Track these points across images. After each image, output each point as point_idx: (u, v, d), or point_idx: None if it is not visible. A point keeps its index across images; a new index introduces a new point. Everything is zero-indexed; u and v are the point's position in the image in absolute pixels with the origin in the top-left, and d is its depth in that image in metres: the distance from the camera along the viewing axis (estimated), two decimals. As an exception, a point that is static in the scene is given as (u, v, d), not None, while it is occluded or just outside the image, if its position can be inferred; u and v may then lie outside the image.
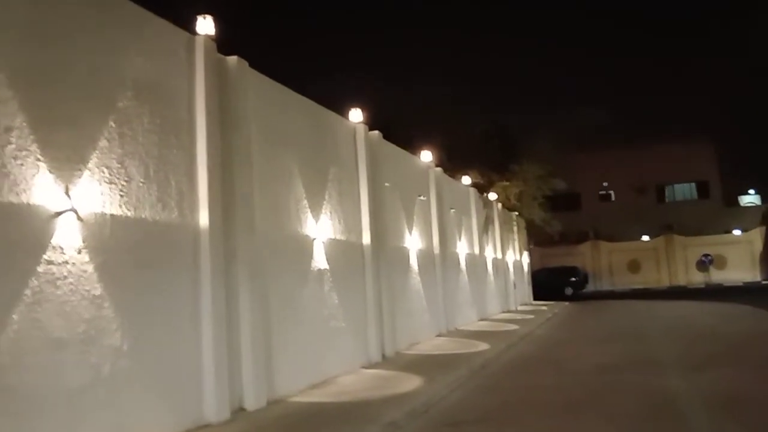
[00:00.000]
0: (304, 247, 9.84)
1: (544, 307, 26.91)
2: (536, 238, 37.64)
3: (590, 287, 41.10)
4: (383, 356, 11.87)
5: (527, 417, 7.46)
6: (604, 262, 45.59)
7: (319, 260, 10.19)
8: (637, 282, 43.59)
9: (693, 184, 50.58)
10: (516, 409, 7.97)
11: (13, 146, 5.16)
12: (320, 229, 10.30)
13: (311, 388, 9.04)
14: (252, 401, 7.68)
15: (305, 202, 9.93)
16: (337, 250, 10.79)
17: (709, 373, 9.50)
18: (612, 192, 52.16)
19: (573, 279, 38.00)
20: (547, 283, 35.78)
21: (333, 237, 10.77)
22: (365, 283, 11.88)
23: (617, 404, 7.80)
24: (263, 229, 8.50)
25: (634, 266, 45.08)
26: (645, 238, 46.38)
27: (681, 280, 43.69)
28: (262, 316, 8.20)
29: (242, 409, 7.56)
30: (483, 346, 13.59)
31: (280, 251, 9.03)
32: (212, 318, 7.17)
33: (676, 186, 51.16)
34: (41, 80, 5.50)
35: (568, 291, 36.66)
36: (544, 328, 19.13)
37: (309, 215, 10.01)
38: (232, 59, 8.18)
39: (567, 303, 30.17)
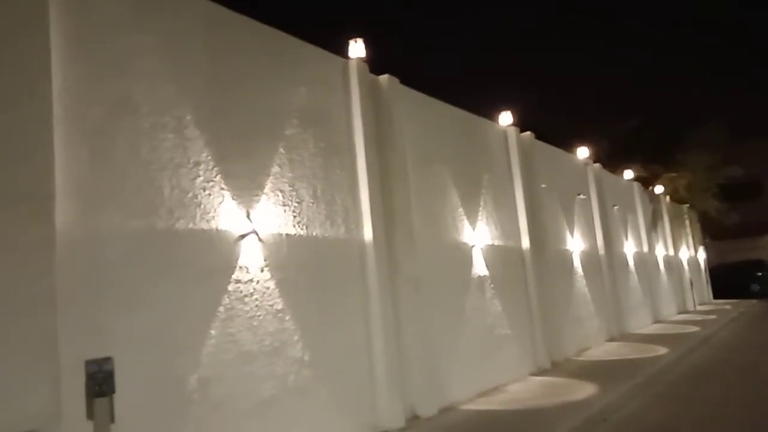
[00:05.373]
0: (463, 255, 9.87)
1: (728, 306, 24.52)
2: (712, 232, 34.41)
3: (780, 282, 36.73)
4: (552, 363, 11.52)
5: None
6: (796, 253, 40.54)
7: (479, 267, 10.16)
8: (840, 274, 38.21)
9: None
10: (708, 420, 7.31)
11: (201, 178, 5.75)
12: (478, 236, 10.27)
13: (480, 396, 9.01)
14: (424, 409, 7.82)
15: (461, 210, 9.97)
16: (496, 257, 10.69)
17: None
18: (800, 175, 46.33)
19: (759, 274, 34.17)
20: (728, 280, 32.51)
21: (491, 243, 10.69)
22: (528, 289, 11.64)
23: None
24: (422, 240, 8.66)
25: (834, 257, 39.62)
26: None
27: None
28: (428, 325, 8.34)
29: (416, 417, 7.73)
30: (660, 350, 12.69)
31: (440, 260, 9.14)
32: (382, 328, 7.43)
33: None
34: (222, 119, 6.08)
35: (755, 287, 32.98)
36: (729, 329, 17.42)
37: (466, 223, 10.04)
38: (384, 78, 8.46)
39: (754, 301, 27.26)
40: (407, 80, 9.09)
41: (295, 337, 6.37)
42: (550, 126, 20.31)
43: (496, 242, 10.90)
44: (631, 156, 23.29)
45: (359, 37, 8.18)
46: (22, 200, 4.22)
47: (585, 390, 8.94)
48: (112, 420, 4.54)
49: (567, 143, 16.96)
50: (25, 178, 4.26)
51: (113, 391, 4.55)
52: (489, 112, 12.29)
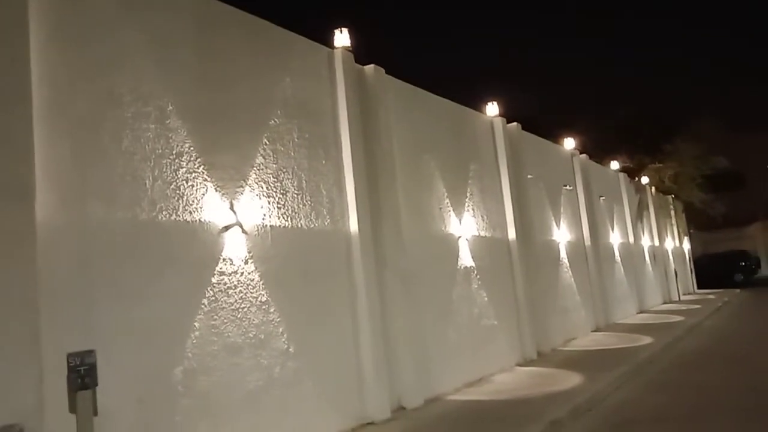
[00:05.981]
0: (450, 246, 9.87)
1: (712, 296, 24.80)
2: (696, 222, 34.70)
3: (763, 272, 37.19)
4: (538, 353, 11.58)
5: (713, 419, 6.82)
6: (779, 244, 40.97)
7: (466, 258, 10.17)
8: (822, 264, 38.71)
9: None
10: (696, 409, 7.33)
11: (184, 169, 5.68)
12: (464, 227, 10.27)
13: (467, 387, 9.04)
14: (410, 400, 7.83)
15: (447, 201, 9.96)
16: (482, 247, 10.71)
17: None
18: (783, 166, 46.72)
19: (743, 264, 34.54)
20: (712, 270, 32.89)
21: (477, 234, 10.70)
22: (514, 280, 11.67)
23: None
24: (409, 230, 8.64)
25: (816, 247, 40.09)
26: (827, 214, 41.07)
27: None
28: (415, 317, 8.34)
29: (402, 408, 7.73)
30: (646, 339, 12.80)
31: (426, 251, 9.13)
32: (369, 319, 7.41)
33: None
34: (204, 109, 5.99)
35: (738, 277, 33.38)
36: (714, 318, 17.61)
37: (452, 214, 10.03)
38: (370, 68, 8.40)
39: (738, 290, 27.57)
40: (405, 74, 9.05)
41: (281, 329, 6.33)
42: (540, 117, 20.39)
43: (483, 233, 10.92)
44: (619, 147, 23.39)
45: (356, 30, 8.11)
46: (1, 193, 4.14)
47: (571, 380, 9.00)
48: (95, 413, 4.50)
49: (557, 134, 16.99)
50: (4, 171, 4.18)
51: (96, 384, 4.50)
52: (481, 104, 12.29)
